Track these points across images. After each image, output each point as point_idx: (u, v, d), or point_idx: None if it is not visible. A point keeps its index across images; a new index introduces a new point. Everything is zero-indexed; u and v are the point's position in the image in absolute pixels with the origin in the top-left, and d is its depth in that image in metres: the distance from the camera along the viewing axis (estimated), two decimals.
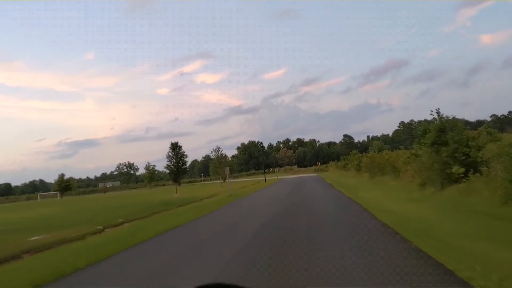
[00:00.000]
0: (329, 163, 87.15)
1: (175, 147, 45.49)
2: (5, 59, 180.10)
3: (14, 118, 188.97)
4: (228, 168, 36.21)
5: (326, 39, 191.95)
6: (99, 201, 40.31)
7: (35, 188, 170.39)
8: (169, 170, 45.75)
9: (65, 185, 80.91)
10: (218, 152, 59.23)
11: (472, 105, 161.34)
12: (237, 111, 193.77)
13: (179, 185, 51.31)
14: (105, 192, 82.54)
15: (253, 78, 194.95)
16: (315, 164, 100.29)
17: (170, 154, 44.96)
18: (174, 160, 45.05)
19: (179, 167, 45.44)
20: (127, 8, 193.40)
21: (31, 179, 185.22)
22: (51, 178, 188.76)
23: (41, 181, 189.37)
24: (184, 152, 46.20)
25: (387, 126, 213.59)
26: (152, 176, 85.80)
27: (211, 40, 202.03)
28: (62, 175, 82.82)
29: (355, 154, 43.86)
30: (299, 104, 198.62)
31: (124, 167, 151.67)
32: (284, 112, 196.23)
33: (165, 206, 21.55)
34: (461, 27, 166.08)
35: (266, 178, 60.81)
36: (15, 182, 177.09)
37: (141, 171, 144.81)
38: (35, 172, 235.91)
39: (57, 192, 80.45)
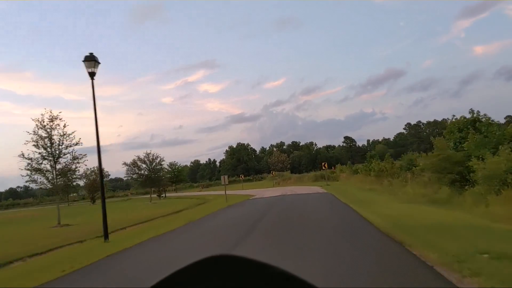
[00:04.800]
0: (334, 167, 54.65)
1: None
2: (16, 69, 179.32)
3: (25, 126, 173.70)
4: None
5: (325, 49, 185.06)
6: None
7: (16, 195, 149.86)
8: None
9: None
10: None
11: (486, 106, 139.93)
12: (238, 119, 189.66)
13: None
14: None
15: (255, 87, 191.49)
16: (314, 169, 68.90)
17: None
18: None
19: None
20: (134, 19, 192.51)
21: (23, 185, 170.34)
22: None
23: (25, 187, 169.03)
24: None
25: (381, 134, 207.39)
26: (69, 186, 53.96)
27: (214, 51, 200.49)
28: None
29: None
30: (297, 113, 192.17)
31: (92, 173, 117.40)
32: (283, 120, 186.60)
33: None
34: (456, 38, 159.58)
35: (213, 194, 28.58)
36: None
37: (114, 175, 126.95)
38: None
39: None
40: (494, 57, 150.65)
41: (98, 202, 52.64)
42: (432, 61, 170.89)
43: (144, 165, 38.03)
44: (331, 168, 52.58)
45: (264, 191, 34.63)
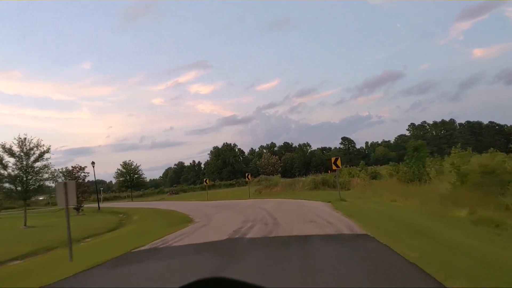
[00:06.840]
0: (330, 171, 38.08)
1: None
2: (3, 68, 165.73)
3: (12, 126, 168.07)
4: None
5: (321, 51, 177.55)
6: None
7: None
8: None
9: None
10: None
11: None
12: (230, 121, 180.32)
13: None
14: None
15: (248, 88, 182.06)
16: (308, 172, 54.08)
17: None
18: None
19: None
20: (124, 19, 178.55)
21: None
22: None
23: None
24: None
25: (378, 137, 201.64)
26: None
27: (207, 51, 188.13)
28: None
29: None
30: (291, 115, 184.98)
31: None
32: (277, 122, 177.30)
33: None
34: (454, 41, 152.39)
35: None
36: None
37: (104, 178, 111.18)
38: None
39: None
40: (494, 60, 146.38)
41: (2, 214, 37.09)
42: (430, 63, 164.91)
43: (13, 160, 20.03)
44: (328, 171, 36.25)
45: (226, 208, 19.53)
